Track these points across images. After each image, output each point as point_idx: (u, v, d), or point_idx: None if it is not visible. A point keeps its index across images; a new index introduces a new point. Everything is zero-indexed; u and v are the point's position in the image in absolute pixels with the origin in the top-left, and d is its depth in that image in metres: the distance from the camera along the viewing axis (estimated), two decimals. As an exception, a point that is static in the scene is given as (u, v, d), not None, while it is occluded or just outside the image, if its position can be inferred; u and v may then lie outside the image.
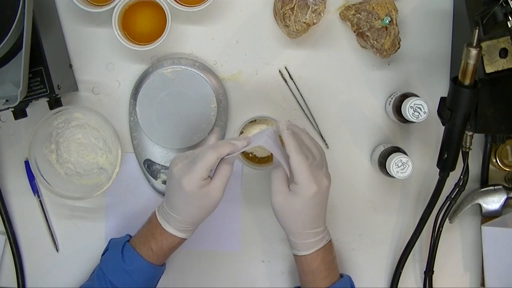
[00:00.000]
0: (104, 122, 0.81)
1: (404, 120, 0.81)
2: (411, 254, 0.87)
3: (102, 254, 0.79)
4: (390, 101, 0.85)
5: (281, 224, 0.73)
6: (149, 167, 0.86)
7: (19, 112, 0.78)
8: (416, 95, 0.80)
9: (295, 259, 0.76)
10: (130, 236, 0.79)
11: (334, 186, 0.88)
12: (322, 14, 0.79)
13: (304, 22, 0.78)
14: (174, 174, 0.70)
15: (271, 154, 0.84)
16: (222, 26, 0.87)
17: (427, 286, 0.88)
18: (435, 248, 0.86)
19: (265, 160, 0.84)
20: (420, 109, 0.78)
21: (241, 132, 0.83)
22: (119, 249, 0.75)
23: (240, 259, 0.89)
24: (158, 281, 0.80)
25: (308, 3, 0.78)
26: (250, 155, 0.84)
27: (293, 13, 0.78)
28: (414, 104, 0.78)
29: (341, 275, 0.77)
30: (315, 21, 0.79)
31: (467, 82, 0.69)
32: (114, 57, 0.86)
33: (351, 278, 0.78)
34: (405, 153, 0.82)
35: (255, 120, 0.82)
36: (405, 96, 0.81)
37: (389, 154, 0.81)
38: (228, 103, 0.87)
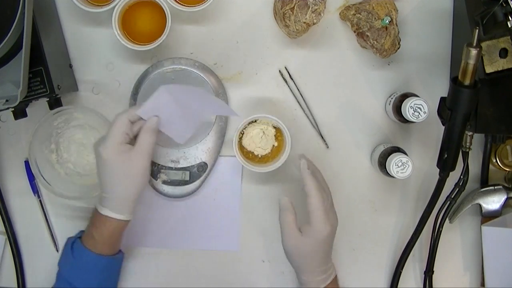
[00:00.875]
0: (104, 122, 0.81)
1: (404, 120, 0.81)
2: (411, 254, 0.87)
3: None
4: (390, 101, 0.85)
5: (292, 264, 0.76)
6: (149, 167, 0.86)
7: (19, 112, 0.78)
8: (416, 95, 0.80)
9: None
10: (82, 231, 0.79)
11: (334, 186, 0.88)
12: (322, 14, 0.79)
13: (304, 22, 0.78)
14: (94, 150, 0.71)
15: (271, 153, 0.84)
16: (222, 26, 0.87)
17: (427, 286, 0.88)
18: (435, 248, 0.86)
19: (265, 160, 0.84)
20: (420, 109, 0.78)
21: (242, 133, 0.83)
22: (68, 245, 0.76)
23: (240, 259, 0.89)
24: (118, 272, 0.79)
25: (308, 3, 0.78)
26: (251, 155, 0.84)
27: (293, 13, 0.78)
28: (414, 104, 0.78)
29: None
30: (315, 21, 0.79)
31: (467, 82, 0.69)
32: (114, 57, 0.86)
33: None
34: (405, 153, 0.82)
35: (255, 120, 0.82)
36: (405, 96, 0.81)
37: (389, 154, 0.81)
38: (228, 103, 0.87)
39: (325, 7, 0.79)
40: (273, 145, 0.84)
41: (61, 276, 0.75)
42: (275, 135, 0.84)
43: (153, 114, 0.73)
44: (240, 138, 0.83)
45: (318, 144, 0.88)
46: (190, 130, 0.77)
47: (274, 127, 0.83)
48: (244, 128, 0.83)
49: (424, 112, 0.78)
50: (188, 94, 0.75)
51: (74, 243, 0.75)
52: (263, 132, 0.83)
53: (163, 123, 0.74)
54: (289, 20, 0.79)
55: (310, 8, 0.78)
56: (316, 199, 0.71)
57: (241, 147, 0.83)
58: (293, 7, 0.78)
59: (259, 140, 0.83)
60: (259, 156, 0.84)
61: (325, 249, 0.74)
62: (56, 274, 0.77)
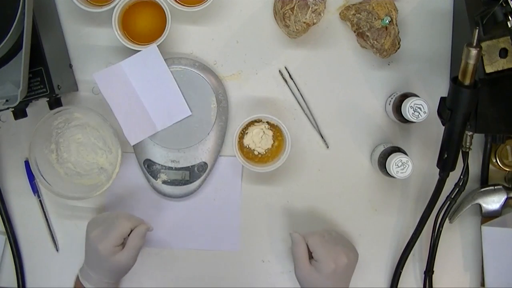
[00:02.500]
0: (104, 122, 0.81)
1: (404, 120, 0.81)
2: (411, 254, 0.87)
3: None
4: (390, 101, 0.85)
5: None
6: (149, 167, 0.86)
7: (19, 112, 0.78)
8: (416, 95, 0.80)
9: None
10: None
11: (334, 186, 0.88)
12: (322, 14, 0.79)
13: (304, 22, 0.78)
14: (91, 239, 0.76)
15: (271, 153, 0.84)
16: (222, 26, 0.87)
17: (427, 286, 0.88)
18: (435, 248, 0.86)
19: (265, 160, 0.84)
20: (420, 109, 0.78)
21: (242, 132, 0.82)
22: None
23: (240, 259, 0.89)
24: None
25: (308, 3, 0.78)
26: (251, 154, 0.84)
27: (293, 13, 0.78)
28: (414, 104, 0.78)
29: None
30: (315, 21, 0.79)
31: (467, 82, 0.69)
32: (114, 57, 0.86)
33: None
34: (405, 153, 0.82)
35: (256, 120, 0.82)
36: (405, 96, 0.81)
37: (389, 154, 0.81)
38: (228, 103, 0.87)
39: (325, 7, 0.79)
40: (273, 145, 0.84)
41: None
42: (275, 135, 0.84)
43: (108, 82, 0.80)
44: (240, 138, 0.83)
45: (318, 144, 0.88)
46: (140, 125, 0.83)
47: (274, 127, 0.83)
48: (244, 128, 0.83)
49: (424, 112, 0.78)
50: (149, 79, 0.82)
51: None
52: (263, 132, 0.83)
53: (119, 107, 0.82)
54: (289, 20, 0.79)
55: (310, 8, 0.78)
56: (312, 238, 0.77)
57: (241, 147, 0.83)
58: (293, 7, 0.78)
59: (259, 140, 0.83)
60: (259, 156, 0.84)
61: (335, 285, 0.75)
62: None
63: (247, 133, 0.83)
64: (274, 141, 0.84)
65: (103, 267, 0.76)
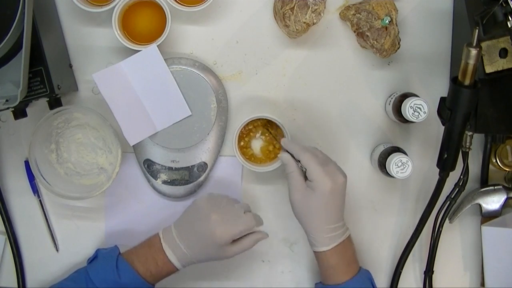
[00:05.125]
0: (104, 122, 0.81)
1: (404, 120, 0.81)
2: (411, 254, 0.87)
3: (88, 262, 0.79)
4: (390, 101, 0.85)
5: (299, 221, 0.76)
6: (149, 167, 0.86)
7: (19, 112, 0.78)
8: (416, 95, 0.80)
9: (315, 256, 0.77)
10: (118, 248, 0.79)
11: (334, 186, 0.88)
12: (322, 14, 0.79)
13: (304, 22, 0.78)
14: (211, 221, 0.74)
15: (269, 153, 0.84)
16: (222, 26, 0.87)
17: (427, 286, 0.88)
18: (435, 248, 0.86)
19: (264, 160, 0.84)
20: (420, 109, 0.78)
21: (242, 132, 0.82)
22: (113, 262, 0.76)
23: (240, 259, 0.89)
24: None
25: (308, 3, 0.78)
26: (251, 154, 0.84)
27: (293, 13, 0.78)
28: (414, 104, 0.78)
29: (360, 269, 0.78)
30: (315, 21, 0.79)
31: (467, 82, 0.69)
32: (114, 57, 0.86)
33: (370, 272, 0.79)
34: (405, 153, 0.82)
35: (255, 119, 0.82)
36: (405, 96, 0.81)
37: (389, 154, 0.81)
38: (228, 103, 0.87)
39: (325, 7, 0.79)
40: (274, 145, 0.84)
41: (93, 283, 0.75)
42: (275, 135, 0.84)
43: (107, 83, 0.81)
44: (240, 138, 0.83)
45: (318, 144, 0.88)
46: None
47: (274, 128, 0.83)
48: (244, 128, 0.83)
49: (424, 112, 0.78)
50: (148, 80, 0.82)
51: (120, 262, 0.76)
52: (263, 132, 0.83)
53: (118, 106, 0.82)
54: (289, 20, 0.79)
55: (310, 8, 0.78)
56: (304, 156, 0.73)
57: (241, 147, 0.83)
58: (293, 7, 0.78)
59: (259, 140, 0.83)
60: (259, 156, 0.84)
61: (331, 205, 0.73)
62: (81, 274, 0.77)
63: (247, 133, 0.83)
64: (274, 141, 0.84)
65: (204, 249, 0.74)
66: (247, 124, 0.82)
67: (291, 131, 0.83)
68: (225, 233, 0.73)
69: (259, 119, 0.82)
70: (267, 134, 0.84)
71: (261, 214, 0.89)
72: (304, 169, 0.74)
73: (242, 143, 0.83)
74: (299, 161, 0.75)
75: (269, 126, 0.83)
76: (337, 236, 0.74)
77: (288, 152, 0.76)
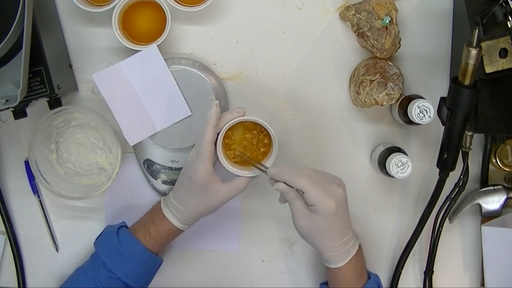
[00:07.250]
0: (104, 122, 0.81)
1: (409, 121, 0.80)
2: (411, 254, 0.87)
3: (96, 240, 0.81)
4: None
5: (310, 243, 0.74)
6: (149, 167, 0.86)
7: (19, 112, 0.78)
8: (422, 97, 0.79)
9: (327, 272, 0.76)
10: (125, 222, 0.81)
11: (334, 186, 0.88)
12: (393, 101, 0.80)
13: (375, 99, 0.79)
14: (188, 162, 0.74)
15: (260, 155, 0.79)
16: (222, 26, 0.87)
17: (427, 286, 0.88)
18: (435, 248, 0.86)
19: (254, 154, 0.79)
20: (426, 112, 0.77)
21: (229, 134, 0.77)
22: (114, 231, 0.77)
23: (240, 259, 0.89)
24: (154, 273, 0.81)
25: (387, 85, 0.79)
26: (237, 156, 0.79)
27: (370, 85, 0.79)
28: (422, 105, 0.77)
29: (369, 275, 0.78)
30: (384, 103, 0.79)
31: (467, 82, 0.69)
32: (114, 57, 0.86)
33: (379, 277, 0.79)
34: (405, 153, 0.82)
35: (243, 121, 0.77)
36: (411, 99, 0.80)
37: (389, 154, 0.81)
38: (228, 103, 0.87)
39: (400, 95, 0.80)
40: (261, 149, 0.79)
41: (98, 258, 0.77)
42: (263, 137, 0.78)
43: (107, 83, 0.81)
44: (227, 140, 0.78)
45: (318, 144, 0.88)
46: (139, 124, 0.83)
47: (264, 129, 0.77)
48: (231, 130, 0.77)
49: (429, 116, 0.77)
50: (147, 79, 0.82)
51: (120, 231, 0.78)
52: (251, 134, 0.78)
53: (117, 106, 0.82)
54: (363, 90, 0.79)
55: (387, 90, 0.79)
56: (299, 181, 0.69)
57: (228, 149, 0.78)
58: (373, 81, 0.79)
59: (246, 142, 0.79)
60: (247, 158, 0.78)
61: (338, 222, 0.71)
62: (91, 256, 0.79)
63: (233, 135, 0.78)
64: (263, 144, 0.79)
65: (193, 196, 0.74)
66: (234, 126, 0.76)
67: (291, 131, 0.82)
68: (200, 168, 0.72)
69: (245, 121, 0.76)
70: (256, 137, 0.78)
71: (260, 214, 0.89)
72: (301, 192, 0.71)
73: (229, 145, 0.77)
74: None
75: (257, 128, 0.78)
76: (350, 249, 0.74)
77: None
